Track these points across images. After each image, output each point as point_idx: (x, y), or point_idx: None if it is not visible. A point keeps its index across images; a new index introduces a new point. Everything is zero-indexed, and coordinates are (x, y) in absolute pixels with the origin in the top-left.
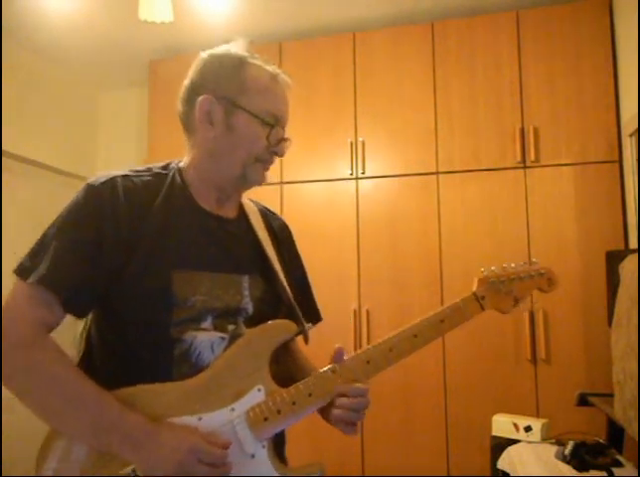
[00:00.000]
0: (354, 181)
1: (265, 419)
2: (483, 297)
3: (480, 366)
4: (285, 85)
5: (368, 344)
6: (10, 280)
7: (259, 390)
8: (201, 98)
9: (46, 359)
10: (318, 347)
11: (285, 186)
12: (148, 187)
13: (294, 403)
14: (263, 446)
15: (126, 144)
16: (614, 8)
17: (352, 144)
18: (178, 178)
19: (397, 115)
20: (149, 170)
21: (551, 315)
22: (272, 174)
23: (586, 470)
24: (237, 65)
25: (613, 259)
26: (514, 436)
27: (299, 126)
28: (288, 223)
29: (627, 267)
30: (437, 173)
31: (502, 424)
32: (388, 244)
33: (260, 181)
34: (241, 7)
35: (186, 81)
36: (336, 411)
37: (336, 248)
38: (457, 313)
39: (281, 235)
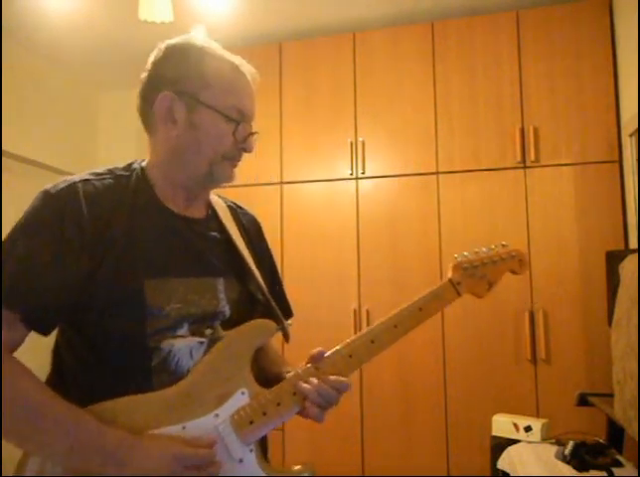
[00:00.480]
0: (354, 181)
1: (251, 422)
2: (459, 283)
3: (480, 366)
4: (249, 76)
5: None
6: None
7: (243, 393)
8: (161, 95)
9: (13, 382)
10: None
11: (285, 186)
12: (111, 190)
13: (279, 404)
14: (251, 450)
15: (126, 144)
16: (614, 8)
17: (352, 144)
18: (142, 179)
19: (397, 115)
20: (111, 172)
21: (551, 315)
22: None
23: (586, 470)
24: (197, 56)
25: (613, 259)
26: (514, 436)
27: (299, 126)
28: (288, 223)
29: (627, 267)
30: (437, 173)
31: (502, 424)
32: (388, 244)
33: (229, 179)
34: (241, 7)
35: (143, 75)
36: (306, 389)
37: (336, 248)
38: (435, 301)
39: (251, 230)
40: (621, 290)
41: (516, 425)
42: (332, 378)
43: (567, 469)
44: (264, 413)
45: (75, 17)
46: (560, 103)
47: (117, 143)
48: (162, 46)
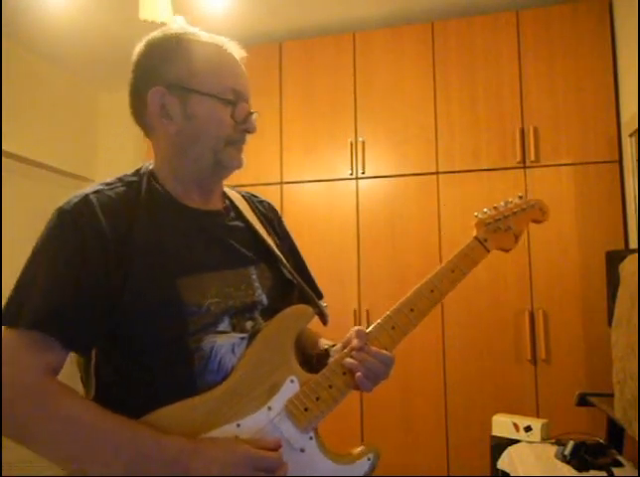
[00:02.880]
0: (354, 181)
1: (306, 409)
2: (485, 239)
3: (480, 366)
4: (236, 54)
5: None
6: (9, 280)
7: (292, 381)
8: (150, 92)
9: (63, 405)
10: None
11: (285, 186)
12: (125, 197)
13: (331, 387)
14: (311, 438)
15: (126, 144)
16: (614, 8)
17: (352, 144)
18: (153, 181)
19: (397, 115)
20: (120, 180)
21: (551, 315)
22: (272, 174)
23: (586, 470)
24: (178, 45)
25: (613, 259)
26: (514, 436)
27: (299, 126)
28: (288, 223)
29: (627, 267)
30: (437, 173)
31: (502, 424)
32: (388, 244)
33: (238, 164)
34: (242, 7)
35: (129, 77)
36: (354, 363)
37: (336, 248)
38: (465, 260)
39: (270, 216)
40: (621, 290)
41: (516, 425)
42: (375, 349)
43: (567, 469)
44: (318, 398)
45: (75, 17)
46: (560, 103)
47: (117, 143)
48: (142, 43)
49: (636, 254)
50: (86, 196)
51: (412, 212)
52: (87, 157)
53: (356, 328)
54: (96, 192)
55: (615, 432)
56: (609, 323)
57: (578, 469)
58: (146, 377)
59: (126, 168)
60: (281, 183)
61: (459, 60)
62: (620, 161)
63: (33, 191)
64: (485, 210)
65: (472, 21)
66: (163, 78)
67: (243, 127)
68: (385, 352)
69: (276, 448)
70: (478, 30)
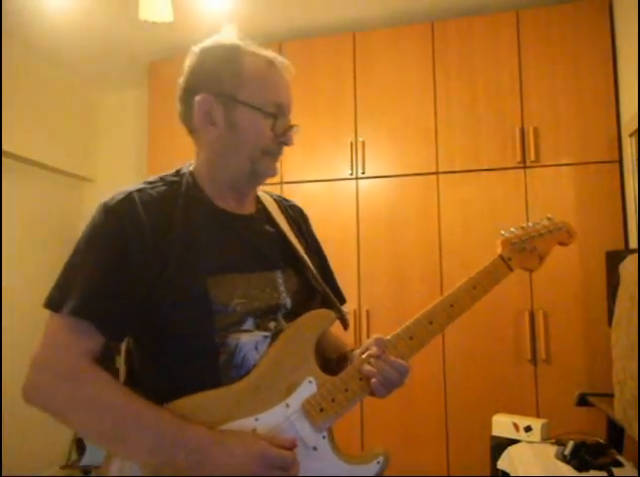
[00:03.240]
0: (354, 181)
1: (322, 410)
2: (510, 258)
3: (480, 366)
4: (285, 69)
5: None
6: (10, 279)
7: (310, 381)
8: (198, 98)
9: (97, 388)
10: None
11: (285, 186)
12: (165, 197)
13: (347, 390)
14: (324, 437)
15: (126, 144)
16: (614, 8)
17: (352, 144)
18: (192, 182)
19: (397, 115)
20: (162, 179)
21: (551, 315)
22: None
23: (586, 470)
24: (231, 56)
25: (613, 259)
26: (514, 436)
27: (299, 126)
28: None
29: (627, 267)
30: (437, 173)
31: (502, 424)
32: (388, 244)
33: (272, 173)
34: (242, 7)
35: (180, 80)
36: (371, 371)
37: (336, 248)
38: (488, 277)
39: (300, 221)
40: (621, 290)
41: (516, 425)
42: (393, 358)
43: (567, 469)
44: (333, 400)
45: (75, 17)
46: (560, 103)
47: (117, 144)
48: (196, 49)
49: (636, 254)
50: (130, 193)
51: (412, 212)
52: (87, 157)
53: (375, 336)
54: (139, 190)
55: (615, 432)
56: (609, 323)
57: (578, 469)
58: (174, 367)
59: (126, 168)
60: (281, 183)
61: (459, 60)
62: (620, 161)
63: (33, 191)
64: (512, 229)
65: (472, 21)
66: (212, 85)
67: (282, 140)
68: (401, 361)
69: (291, 447)
70: (478, 30)
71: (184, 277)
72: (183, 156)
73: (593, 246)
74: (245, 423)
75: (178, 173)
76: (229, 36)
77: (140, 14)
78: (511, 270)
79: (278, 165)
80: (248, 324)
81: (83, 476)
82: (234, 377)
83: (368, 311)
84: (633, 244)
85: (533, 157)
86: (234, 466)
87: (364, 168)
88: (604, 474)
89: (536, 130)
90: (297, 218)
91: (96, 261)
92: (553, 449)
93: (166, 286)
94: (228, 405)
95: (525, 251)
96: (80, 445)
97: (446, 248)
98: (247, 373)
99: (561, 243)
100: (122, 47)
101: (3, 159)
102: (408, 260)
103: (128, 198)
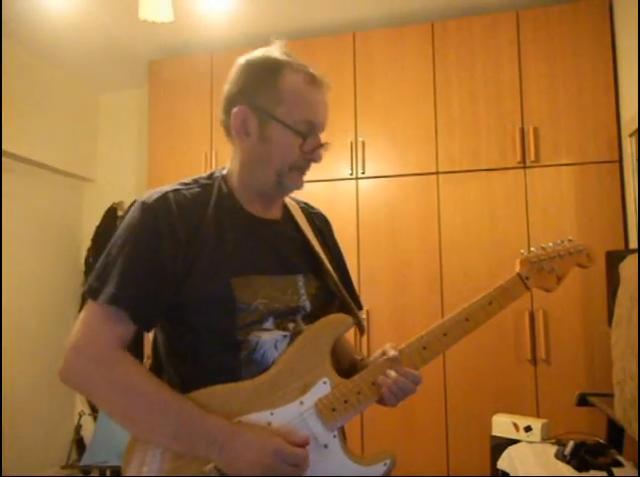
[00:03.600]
0: (354, 181)
1: (334, 410)
2: (527, 277)
3: (480, 366)
4: (324, 88)
5: (368, 344)
6: (10, 279)
7: (325, 382)
8: (236, 109)
9: (126, 373)
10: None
11: None
12: (198, 198)
13: (359, 393)
14: (335, 436)
15: (126, 144)
16: (614, 8)
17: (352, 144)
18: (223, 186)
19: (397, 115)
20: (196, 181)
21: (551, 315)
22: None
23: (586, 470)
24: (272, 72)
25: (613, 259)
26: (514, 436)
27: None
28: None
29: (627, 267)
30: (437, 173)
31: (502, 424)
32: (388, 244)
33: (297, 187)
34: (242, 7)
35: (224, 88)
36: (385, 380)
37: None
38: (504, 295)
39: (323, 228)
40: (621, 290)
41: (516, 425)
42: (407, 370)
43: (567, 469)
44: (345, 401)
45: (75, 17)
46: (560, 103)
47: (117, 143)
48: (241, 60)
49: (636, 254)
50: (166, 193)
51: (412, 212)
52: (87, 157)
53: (389, 345)
54: (174, 191)
55: (615, 432)
56: (609, 323)
57: (578, 469)
58: (197, 359)
59: (126, 168)
60: None
61: (459, 60)
62: (620, 161)
63: (33, 191)
64: (532, 248)
65: (472, 21)
66: (249, 98)
67: (310, 157)
68: (413, 371)
69: (304, 445)
70: (478, 30)
71: (211, 276)
72: (183, 156)
73: (593, 246)
74: (261, 417)
75: (211, 176)
76: (275, 50)
77: (140, 14)
78: (528, 289)
79: (304, 178)
80: (269, 323)
81: (83, 476)
82: (253, 372)
83: (368, 311)
84: (633, 244)
85: (533, 157)
86: (250, 458)
87: (364, 168)
88: (604, 474)
89: (536, 130)
90: (321, 225)
91: (132, 254)
92: (553, 449)
93: (194, 283)
94: (246, 398)
95: (543, 271)
96: (80, 445)
97: (446, 248)
98: (266, 369)
99: (581, 266)
100: (122, 47)
101: (3, 159)
102: (408, 260)
103: (164, 197)
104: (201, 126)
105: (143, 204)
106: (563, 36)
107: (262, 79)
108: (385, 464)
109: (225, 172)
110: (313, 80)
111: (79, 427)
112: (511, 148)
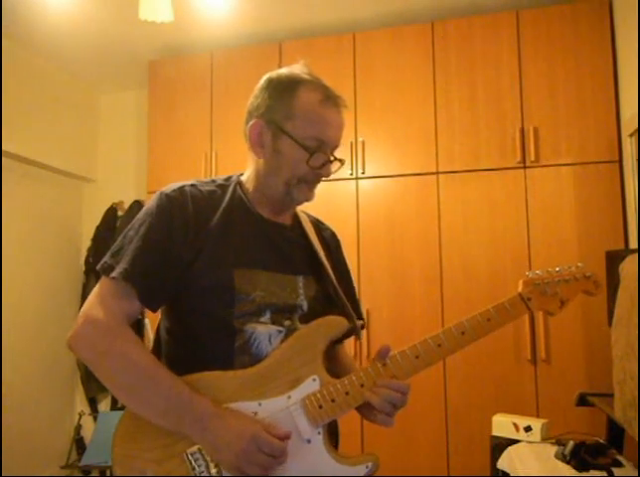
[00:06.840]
0: (354, 181)
1: (320, 407)
2: (529, 299)
3: (480, 366)
4: (339, 108)
5: (368, 344)
6: (10, 279)
7: (314, 379)
8: (252, 122)
9: (126, 346)
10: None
11: None
12: (213, 195)
13: (347, 394)
14: (319, 432)
15: (126, 144)
16: (614, 8)
17: (352, 144)
18: (238, 189)
19: (397, 115)
20: (213, 181)
21: None
22: None
23: (586, 470)
24: (289, 89)
25: (613, 259)
26: (514, 436)
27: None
28: None
29: (627, 267)
30: (437, 173)
31: (502, 424)
32: (388, 244)
33: (306, 199)
34: (242, 7)
35: (248, 102)
36: (374, 398)
37: None
38: (503, 313)
39: (331, 244)
40: (621, 290)
41: (516, 425)
42: (392, 381)
43: (567, 469)
44: (333, 400)
45: (74, 17)
46: (560, 103)
47: (117, 143)
48: (266, 76)
49: (636, 254)
50: (183, 186)
51: (412, 212)
52: (87, 157)
53: (382, 346)
54: (192, 185)
55: (615, 432)
56: (609, 323)
57: (578, 469)
58: (194, 343)
59: (126, 168)
60: None
61: (459, 60)
62: (620, 161)
63: (33, 191)
64: (537, 271)
65: (472, 21)
66: (266, 112)
67: (318, 172)
68: (400, 382)
69: (284, 439)
70: (478, 30)
71: (215, 265)
72: (183, 156)
73: (593, 246)
74: (249, 406)
75: (229, 179)
76: (297, 68)
77: (140, 14)
78: (529, 310)
79: (314, 191)
80: (265, 317)
81: (83, 476)
82: (245, 362)
83: (368, 310)
84: (633, 244)
85: (533, 157)
86: (227, 440)
87: (364, 168)
88: (604, 474)
89: (536, 130)
90: (329, 240)
91: (145, 237)
92: (553, 449)
93: (198, 270)
94: (236, 387)
95: (546, 295)
96: (80, 445)
97: (446, 248)
98: (259, 361)
99: (587, 293)
100: (122, 47)
101: (3, 159)
102: (408, 260)
103: (181, 190)
104: (201, 126)
105: (161, 193)
106: (563, 36)
107: (279, 94)
108: (367, 467)
109: (242, 178)
110: (327, 100)
111: (79, 427)
112: (511, 148)
